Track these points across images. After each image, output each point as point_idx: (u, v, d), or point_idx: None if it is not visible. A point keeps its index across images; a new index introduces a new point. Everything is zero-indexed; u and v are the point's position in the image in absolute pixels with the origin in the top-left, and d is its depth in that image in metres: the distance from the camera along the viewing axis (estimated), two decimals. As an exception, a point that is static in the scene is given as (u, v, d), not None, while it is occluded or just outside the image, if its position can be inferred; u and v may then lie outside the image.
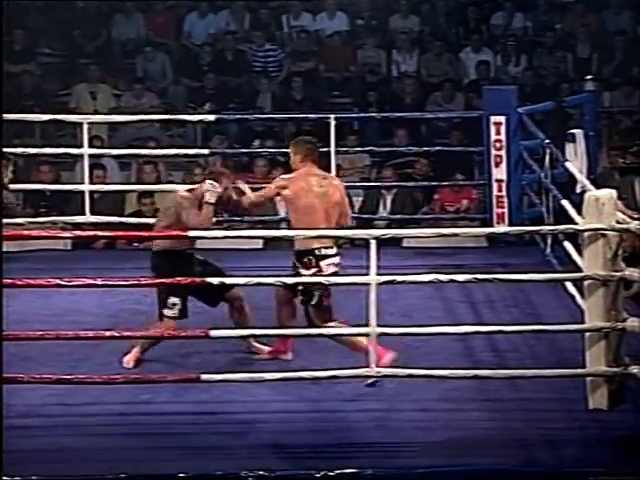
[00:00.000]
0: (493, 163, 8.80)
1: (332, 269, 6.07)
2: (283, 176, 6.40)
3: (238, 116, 10.28)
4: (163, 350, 6.36)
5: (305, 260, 6.02)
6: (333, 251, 6.11)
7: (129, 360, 6.22)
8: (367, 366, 5.76)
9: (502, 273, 6.23)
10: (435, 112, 10.69)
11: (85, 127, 8.47)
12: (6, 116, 8.28)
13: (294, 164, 6.36)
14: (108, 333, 6.01)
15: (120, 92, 11.39)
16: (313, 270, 6.03)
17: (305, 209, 6.12)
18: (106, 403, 5.81)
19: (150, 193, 9.34)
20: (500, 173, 8.79)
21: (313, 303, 6.03)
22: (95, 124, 9.17)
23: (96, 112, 10.81)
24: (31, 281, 5.94)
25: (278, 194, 6.26)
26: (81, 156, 8.65)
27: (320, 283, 6.01)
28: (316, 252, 6.02)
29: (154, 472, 5.22)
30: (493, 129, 8.75)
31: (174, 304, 6.24)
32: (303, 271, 6.04)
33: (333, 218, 6.18)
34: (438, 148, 9.63)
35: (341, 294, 6.88)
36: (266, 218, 9.14)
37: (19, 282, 5.88)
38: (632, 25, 11.85)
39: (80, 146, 8.60)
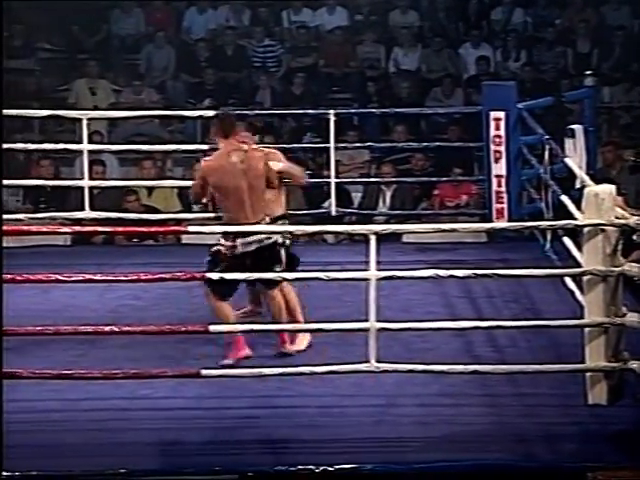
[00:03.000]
0: (492, 159, 8.80)
1: (249, 247, 6.05)
2: (205, 160, 6.37)
3: (237, 112, 10.28)
4: (163, 345, 6.36)
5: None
6: (257, 228, 6.07)
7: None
8: (367, 361, 5.77)
9: (501, 268, 6.22)
10: (434, 108, 10.68)
11: (84, 123, 8.46)
12: (6, 112, 8.27)
13: (216, 141, 6.36)
14: (107, 328, 6.00)
15: (120, 88, 11.38)
16: (230, 243, 6.04)
17: (232, 190, 6.11)
18: (105, 398, 5.81)
19: (135, 190, 9.34)
20: (500, 169, 8.78)
21: (213, 273, 6.00)
22: (94, 120, 9.15)
23: (95, 108, 10.81)
24: (30, 276, 5.95)
25: (206, 183, 6.20)
26: (81, 152, 8.64)
27: (229, 257, 5.95)
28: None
29: (154, 467, 5.22)
30: (493, 125, 8.75)
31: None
32: (222, 240, 6.11)
33: (258, 191, 6.16)
34: (437, 144, 9.63)
35: (341, 289, 6.90)
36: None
37: (18, 277, 5.89)
38: (631, 20, 11.85)
39: (80, 142, 8.60)
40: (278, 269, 6.16)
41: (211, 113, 9.40)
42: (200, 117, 9.82)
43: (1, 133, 6.91)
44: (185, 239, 8.80)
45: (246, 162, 6.18)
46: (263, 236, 6.12)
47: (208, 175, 6.18)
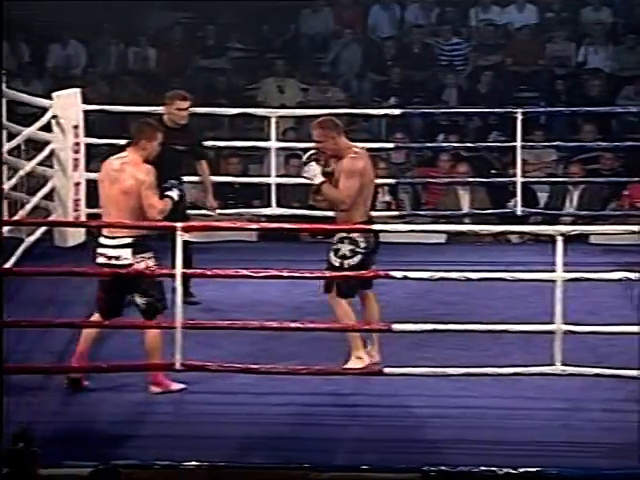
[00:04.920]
0: (688, 159, 8.53)
1: (100, 259, 5.88)
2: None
3: (423, 110, 10.25)
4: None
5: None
6: (109, 242, 5.85)
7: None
8: (552, 364, 5.68)
9: (695, 272, 6.01)
10: (626, 107, 10.42)
11: (273, 121, 8.60)
12: (197, 110, 8.50)
13: None
14: (293, 324, 6.09)
15: (307, 86, 11.52)
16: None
17: (102, 196, 5.95)
18: (290, 393, 5.90)
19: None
20: (696, 170, 8.50)
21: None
22: (282, 118, 9.29)
23: (283, 106, 10.97)
24: (220, 271, 6.09)
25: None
26: (269, 149, 8.79)
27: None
28: (98, 239, 5.92)
29: (337, 463, 5.27)
30: (689, 124, 8.47)
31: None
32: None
33: (124, 205, 5.83)
34: (629, 143, 9.38)
35: (524, 290, 6.81)
36: (449, 212, 9.13)
37: (208, 272, 6.05)
38: None
39: (268, 139, 8.74)
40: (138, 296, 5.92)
41: (397, 112, 9.45)
42: (385, 115, 9.84)
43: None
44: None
45: (117, 173, 5.89)
46: (111, 253, 5.86)
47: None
